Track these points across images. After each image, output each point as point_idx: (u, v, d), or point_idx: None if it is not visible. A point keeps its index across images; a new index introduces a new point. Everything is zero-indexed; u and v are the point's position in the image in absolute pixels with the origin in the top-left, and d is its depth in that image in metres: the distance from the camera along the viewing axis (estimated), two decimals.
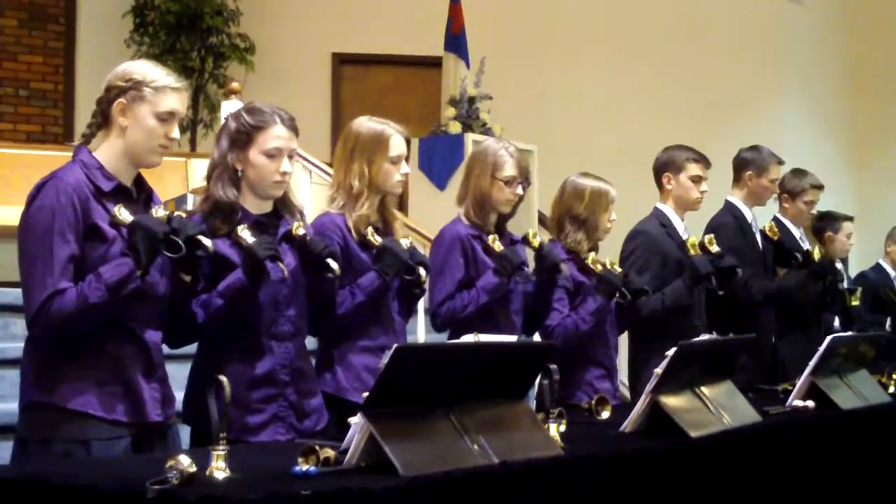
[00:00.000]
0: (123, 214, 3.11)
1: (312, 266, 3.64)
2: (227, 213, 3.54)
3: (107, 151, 3.26)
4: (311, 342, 3.91)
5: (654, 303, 4.99)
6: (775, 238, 5.92)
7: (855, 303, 6.36)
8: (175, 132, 3.30)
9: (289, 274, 3.53)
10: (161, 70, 3.31)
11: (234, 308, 3.47)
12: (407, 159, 4.18)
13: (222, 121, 7.92)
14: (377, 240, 4.02)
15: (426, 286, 4.22)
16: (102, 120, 3.28)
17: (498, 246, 4.47)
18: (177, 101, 3.28)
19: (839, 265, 7.20)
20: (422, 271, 4.06)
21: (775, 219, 6.32)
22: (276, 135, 3.56)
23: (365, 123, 4.15)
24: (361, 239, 4.04)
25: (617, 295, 4.74)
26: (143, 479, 2.33)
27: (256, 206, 3.63)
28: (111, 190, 3.21)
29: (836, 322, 6.55)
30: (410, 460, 2.54)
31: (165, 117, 3.26)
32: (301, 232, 3.62)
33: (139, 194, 3.34)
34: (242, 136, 3.58)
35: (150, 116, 3.24)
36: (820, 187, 6.37)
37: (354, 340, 4.03)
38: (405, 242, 4.09)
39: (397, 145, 4.11)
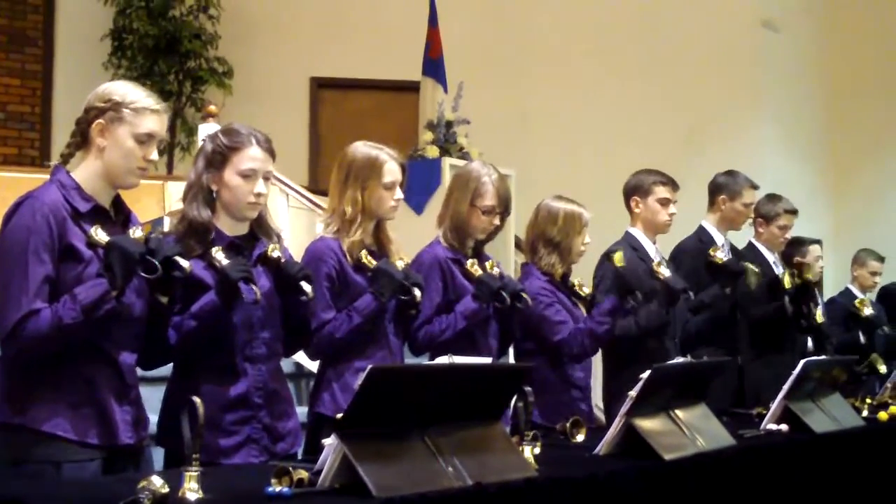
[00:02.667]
0: (100, 235, 3.11)
1: (287, 288, 3.64)
2: (201, 233, 3.54)
3: (85, 172, 3.26)
4: (288, 364, 3.91)
5: (628, 325, 5.01)
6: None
7: (820, 320, 6.41)
8: (154, 154, 3.29)
9: (263, 296, 3.52)
10: (141, 91, 3.30)
11: (207, 330, 3.47)
12: (402, 185, 4.18)
13: (199, 144, 7.98)
14: (372, 262, 4.04)
15: (421, 307, 4.24)
16: (81, 140, 3.27)
17: (477, 270, 4.46)
18: (156, 122, 3.28)
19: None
20: (417, 292, 4.07)
21: (750, 244, 6.35)
22: (252, 156, 3.56)
23: (360, 149, 4.16)
24: (356, 262, 4.05)
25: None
26: (116, 500, 2.33)
27: (231, 227, 3.63)
28: (88, 211, 3.20)
29: (809, 342, 6.60)
30: (384, 482, 2.54)
31: (144, 139, 3.25)
32: (276, 254, 3.61)
33: (117, 215, 3.33)
34: (218, 157, 3.58)
35: (129, 138, 3.23)
36: (794, 212, 6.41)
37: (351, 362, 4.04)
38: (400, 264, 4.11)
39: (391, 171, 4.12)
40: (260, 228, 3.70)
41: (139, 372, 3.41)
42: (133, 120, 3.23)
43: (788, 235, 6.49)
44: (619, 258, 4.84)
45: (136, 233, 3.18)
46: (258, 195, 3.57)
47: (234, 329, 3.55)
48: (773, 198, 6.43)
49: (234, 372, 3.56)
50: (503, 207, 4.57)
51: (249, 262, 3.54)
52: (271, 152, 3.63)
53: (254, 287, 3.44)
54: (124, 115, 3.22)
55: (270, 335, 3.65)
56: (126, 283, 3.10)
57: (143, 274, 3.12)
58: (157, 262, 3.11)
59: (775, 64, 11.93)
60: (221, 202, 3.60)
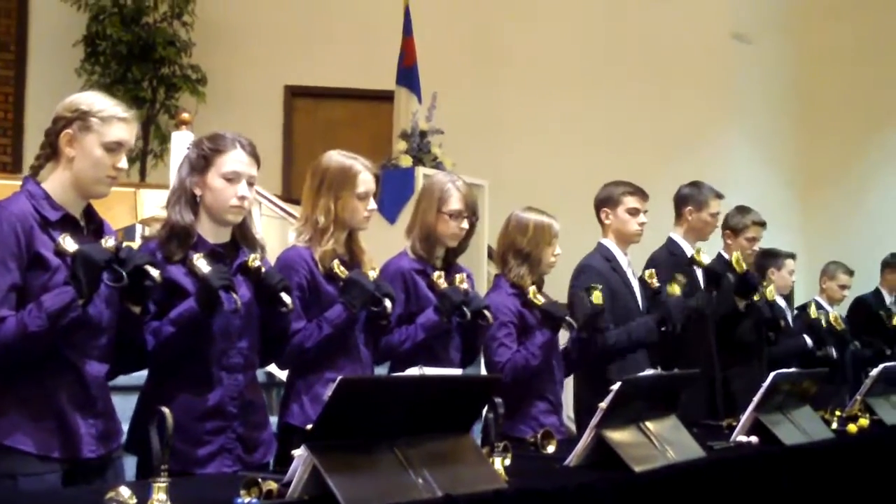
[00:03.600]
0: (68, 243, 3.09)
1: (266, 299, 3.63)
2: (183, 237, 3.53)
3: (55, 182, 3.24)
4: (259, 374, 3.89)
5: (619, 335, 5.03)
6: (741, 270, 5.91)
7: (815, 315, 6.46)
8: (123, 162, 3.27)
9: (242, 306, 3.52)
10: (109, 100, 3.29)
11: (185, 337, 3.46)
12: (375, 195, 4.18)
13: (172, 151, 7.96)
14: (343, 272, 4.03)
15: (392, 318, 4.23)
16: (51, 151, 3.26)
17: (442, 283, 4.46)
18: (124, 130, 3.26)
19: (783, 302, 7.29)
20: (388, 303, 4.06)
21: (719, 255, 6.38)
22: (235, 159, 3.57)
23: (334, 158, 4.16)
24: (328, 272, 4.04)
25: (564, 327, 4.77)
26: None
27: (214, 234, 3.62)
28: (57, 219, 3.19)
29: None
30: (354, 493, 2.54)
31: (113, 147, 3.24)
32: (256, 264, 3.61)
33: (89, 225, 3.31)
34: (201, 161, 3.58)
35: (98, 146, 3.21)
36: (762, 224, 6.45)
37: (321, 372, 4.03)
38: (372, 274, 4.10)
39: (365, 181, 4.12)
40: (244, 238, 3.69)
41: (115, 381, 3.39)
42: (101, 129, 3.22)
43: (757, 247, 6.53)
44: (597, 297, 4.84)
45: (108, 242, 3.15)
46: (242, 198, 3.57)
47: (212, 337, 3.54)
48: (741, 210, 6.47)
49: (209, 381, 3.55)
50: (470, 212, 4.57)
51: (230, 271, 3.53)
52: (256, 157, 3.63)
53: (234, 296, 3.43)
54: (92, 124, 3.21)
55: (247, 345, 3.64)
56: (92, 291, 3.08)
57: (108, 282, 3.10)
58: (122, 271, 3.09)
59: (747, 77, 12.00)
60: (205, 206, 3.59)
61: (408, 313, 4.46)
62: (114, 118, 3.24)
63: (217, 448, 3.55)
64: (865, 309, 7.95)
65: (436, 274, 4.48)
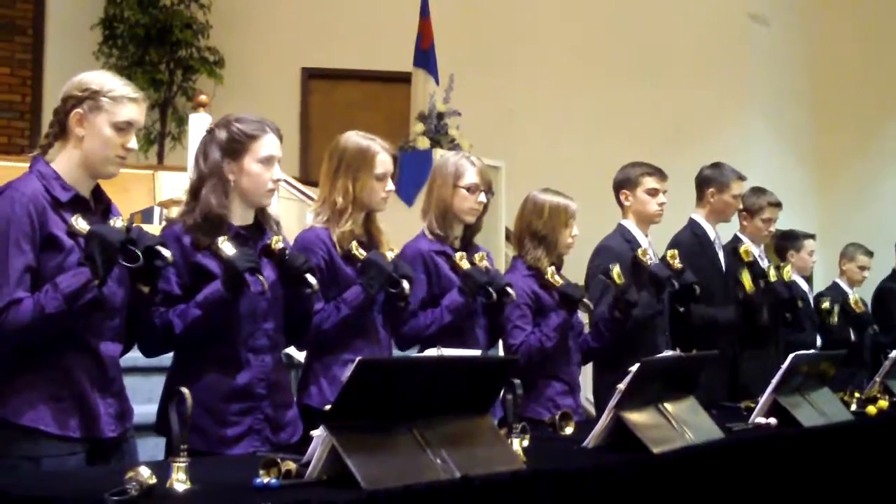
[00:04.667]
0: (80, 224, 3.10)
1: (291, 281, 3.64)
2: (216, 222, 3.53)
3: (64, 162, 3.24)
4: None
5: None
6: (748, 259, 5.92)
7: (834, 320, 6.44)
8: (132, 142, 3.27)
9: (268, 287, 3.53)
10: (118, 80, 3.29)
11: (211, 319, 3.46)
12: (393, 176, 4.17)
13: (190, 134, 7.95)
14: (361, 253, 4.03)
15: (411, 299, 4.22)
16: (60, 130, 3.26)
17: (465, 264, 4.45)
18: (135, 111, 3.26)
19: (804, 283, 7.27)
20: (405, 284, 4.06)
21: (735, 237, 6.36)
22: (269, 143, 3.60)
23: (352, 139, 4.15)
24: (346, 253, 4.04)
25: (581, 308, 4.76)
26: (103, 490, 2.32)
27: (241, 217, 3.63)
28: (68, 200, 3.19)
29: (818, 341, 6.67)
30: (372, 474, 2.54)
31: (123, 126, 3.23)
32: (280, 246, 3.62)
33: (97, 205, 3.31)
34: (236, 146, 3.58)
35: (107, 126, 3.21)
36: (778, 205, 6.43)
37: (339, 353, 4.03)
38: (389, 255, 4.10)
39: (383, 162, 4.11)
40: (264, 218, 3.71)
41: (133, 361, 3.40)
42: (111, 108, 3.21)
43: (773, 228, 6.51)
44: (617, 275, 4.83)
45: (116, 223, 3.16)
46: (276, 181, 3.62)
47: (239, 320, 3.55)
48: (757, 191, 6.44)
49: (237, 362, 3.56)
50: (486, 186, 4.55)
51: (255, 253, 3.53)
52: (281, 139, 3.67)
53: (260, 277, 3.44)
54: (102, 103, 3.21)
55: (273, 326, 3.65)
56: (108, 271, 3.08)
57: (124, 263, 3.10)
58: (138, 251, 3.10)
59: (763, 59, 11.94)
60: (238, 190, 3.60)
61: (431, 296, 4.45)
62: (124, 98, 3.24)
63: (246, 429, 3.56)
64: (890, 296, 7.89)
65: (458, 255, 4.47)
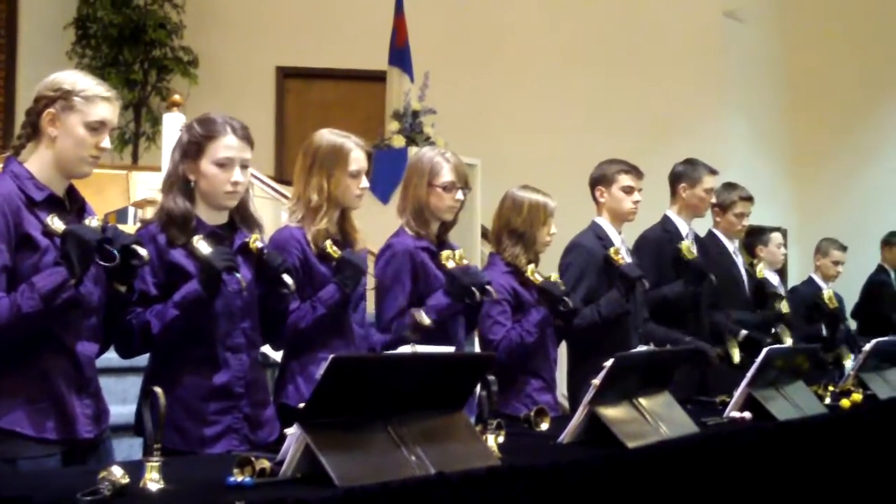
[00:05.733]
0: (56, 224, 3.09)
1: (268, 280, 3.63)
2: (181, 223, 3.52)
3: (37, 162, 3.23)
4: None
5: (590, 313, 5.03)
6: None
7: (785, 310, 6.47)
8: (106, 142, 3.26)
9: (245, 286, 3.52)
10: (91, 80, 3.28)
11: (189, 319, 3.46)
12: (367, 173, 4.16)
13: (164, 134, 7.94)
14: (336, 252, 4.02)
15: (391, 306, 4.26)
16: (32, 130, 3.24)
17: (451, 264, 4.42)
18: (107, 110, 3.25)
19: (776, 277, 7.30)
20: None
21: (709, 232, 6.39)
22: (227, 144, 3.55)
23: (325, 136, 4.14)
24: (321, 252, 4.04)
25: (560, 306, 4.76)
26: (76, 491, 2.31)
27: (211, 217, 3.62)
28: (43, 200, 3.18)
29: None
30: (347, 471, 2.53)
31: (96, 126, 3.22)
32: (258, 245, 3.61)
33: (71, 205, 3.30)
34: (193, 147, 3.57)
35: (80, 126, 3.20)
36: (749, 199, 6.46)
37: (315, 352, 4.02)
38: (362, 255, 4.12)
39: (357, 159, 4.10)
40: (242, 219, 3.69)
41: (108, 362, 3.38)
42: (84, 108, 3.20)
43: (746, 223, 6.53)
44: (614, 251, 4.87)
45: (92, 222, 3.15)
46: (235, 183, 3.56)
47: (216, 318, 3.54)
48: (728, 186, 6.47)
49: (214, 362, 3.56)
50: (463, 182, 4.54)
51: (231, 251, 3.53)
52: (248, 140, 3.62)
53: (238, 276, 3.44)
54: (75, 103, 3.20)
55: (250, 325, 3.65)
56: (84, 271, 3.08)
57: (100, 262, 3.10)
58: (114, 251, 3.09)
59: (739, 55, 11.99)
60: (200, 192, 3.59)
61: (417, 293, 4.43)
62: (97, 97, 3.23)
63: (224, 428, 3.56)
64: (882, 287, 8.00)
65: (444, 254, 4.44)
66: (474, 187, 8.75)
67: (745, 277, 6.46)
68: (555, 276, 4.84)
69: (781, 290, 6.91)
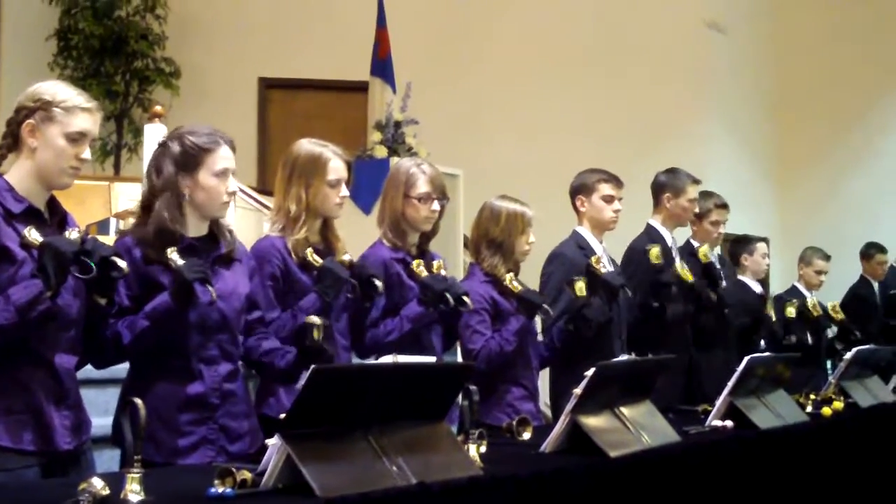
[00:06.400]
0: (33, 235, 3.07)
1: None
2: (169, 237, 3.50)
3: (17, 173, 3.22)
4: None
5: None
6: (706, 261, 5.96)
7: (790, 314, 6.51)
8: (86, 153, 3.25)
9: (219, 298, 3.51)
10: (72, 90, 3.27)
11: (160, 330, 3.45)
12: (348, 182, 4.17)
13: (146, 145, 7.91)
14: (317, 261, 4.02)
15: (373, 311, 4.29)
16: (13, 142, 3.24)
17: (422, 272, 4.44)
18: (88, 121, 3.24)
19: (758, 286, 7.33)
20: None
21: (687, 241, 6.41)
22: (223, 156, 3.58)
23: (304, 146, 4.15)
24: (301, 261, 4.04)
25: (540, 314, 4.77)
26: (56, 502, 2.31)
27: (195, 228, 3.62)
28: (21, 212, 3.17)
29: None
30: (328, 482, 2.53)
31: (76, 137, 3.21)
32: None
33: (52, 216, 3.29)
34: (190, 160, 3.56)
35: (60, 137, 3.19)
36: (725, 206, 6.49)
37: None
38: (346, 258, 4.13)
39: (335, 169, 4.11)
40: (217, 229, 3.69)
41: (89, 374, 3.37)
42: (64, 119, 3.20)
43: (722, 230, 6.55)
44: (580, 289, 4.86)
45: (72, 234, 3.14)
46: (231, 194, 3.60)
47: (189, 330, 3.53)
48: (703, 195, 6.47)
49: (189, 373, 3.55)
50: (439, 193, 4.55)
51: (206, 263, 3.51)
52: (235, 150, 3.65)
53: (209, 288, 3.42)
54: (55, 114, 3.19)
55: (227, 337, 3.64)
56: (60, 283, 3.06)
57: (77, 275, 3.09)
58: (91, 263, 3.08)
59: (722, 64, 12.04)
60: (194, 203, 3.58)
61: (392, 304, 4.45)
62: (77, 108, 3.22)
63: (199, 439, 3.55)
64: (863, 300, 8.02)
65: (415, 262, 4.47)
66: (457, 197, 8.76)
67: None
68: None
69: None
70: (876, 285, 9.21)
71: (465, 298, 4.42)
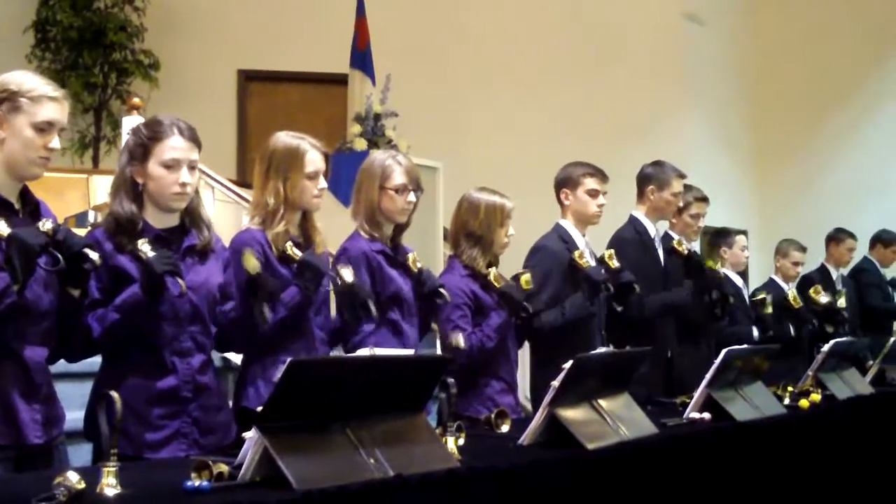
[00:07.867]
0: (1, 228, 3.03)
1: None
2: (128, 227, 3.50)
3: None
4: (216, 359, 3.88)
5: (553, 315, 5.04)
6: (684, 253, 5.96)
7: (768, 311, 6.50)
8: (55, 142, 3.22)
9: (189, 290, 3.50)
10: (39, 79, 3.24)
11: (130, 322, 3.44)
12: (326, 174, 4.16)
13: (124, 137, 7.88)
14: (297, 254, 4.01)
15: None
16: None
17: (415, 266, 4.46)
18: (55, 110, 3.21)
19: (739, 279, 7.35)
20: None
21: (666, 234, 6.41)
22: (173, 146, 3.53)
23: (281, 139, 4.14)
24: (281, 254, 4.03)
25: (520, 310, 4.77)
26: (30, 496, 2.29)
27: (159, 220, 3.60)
28: None
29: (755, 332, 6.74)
30: (305, 474, 2.53)
31: (44, 127, 3.19)
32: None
33: (24, 207, 3.26)
34: (140, 149, 3.55)
35: (28, 127, 3.17)
36: (704, 199, 6.49)
37: (275, 355, 4.00)
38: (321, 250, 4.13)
39: (313, 161, 4.10)
40: (192, 220, 3.67)
41: (66, 367, 3.35)
42: (31, 109, 3.17)
43: (702, 223, 6.56)
44: (526, 282, 4.84)
45: (45, 224, 3.11)
46: (183, 185, 3.54)
47: (161, 323, 3.52)
48: (683, 187, 6.48)
49: (162, 366, 3.54)
50: (414, 184, 4.54)
51: (177, 255, 3.50)
52: (195, 141, 3.60)
53: (179, 280, 3.41)
54: (21, 104, 3.16)
55: (200, 329, 3.63)
56: (27, 276, 3.04)
57: (44, 267, 3.06)
58: (58, 255, 3.06)
59: (701, 58, 12.07)
60: (148, 194, 3.57)
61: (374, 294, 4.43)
62: (44, 97, 3.19)
63: (172, 432, 3.54)
64: (810, 286, 8.00)
65: (410, 256, 4.51)
66: (436, 190, 8.76)
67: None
68: (526, 278, 4.83)
69: (745, 291, 6.94)
70: (835, 273, 9.13)
71: (441, 291, 4.43)
